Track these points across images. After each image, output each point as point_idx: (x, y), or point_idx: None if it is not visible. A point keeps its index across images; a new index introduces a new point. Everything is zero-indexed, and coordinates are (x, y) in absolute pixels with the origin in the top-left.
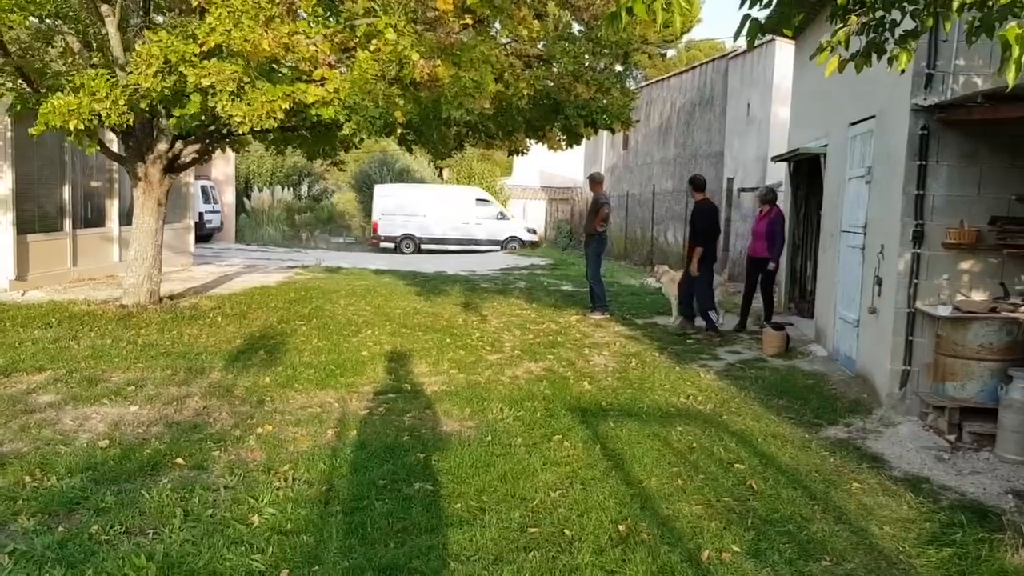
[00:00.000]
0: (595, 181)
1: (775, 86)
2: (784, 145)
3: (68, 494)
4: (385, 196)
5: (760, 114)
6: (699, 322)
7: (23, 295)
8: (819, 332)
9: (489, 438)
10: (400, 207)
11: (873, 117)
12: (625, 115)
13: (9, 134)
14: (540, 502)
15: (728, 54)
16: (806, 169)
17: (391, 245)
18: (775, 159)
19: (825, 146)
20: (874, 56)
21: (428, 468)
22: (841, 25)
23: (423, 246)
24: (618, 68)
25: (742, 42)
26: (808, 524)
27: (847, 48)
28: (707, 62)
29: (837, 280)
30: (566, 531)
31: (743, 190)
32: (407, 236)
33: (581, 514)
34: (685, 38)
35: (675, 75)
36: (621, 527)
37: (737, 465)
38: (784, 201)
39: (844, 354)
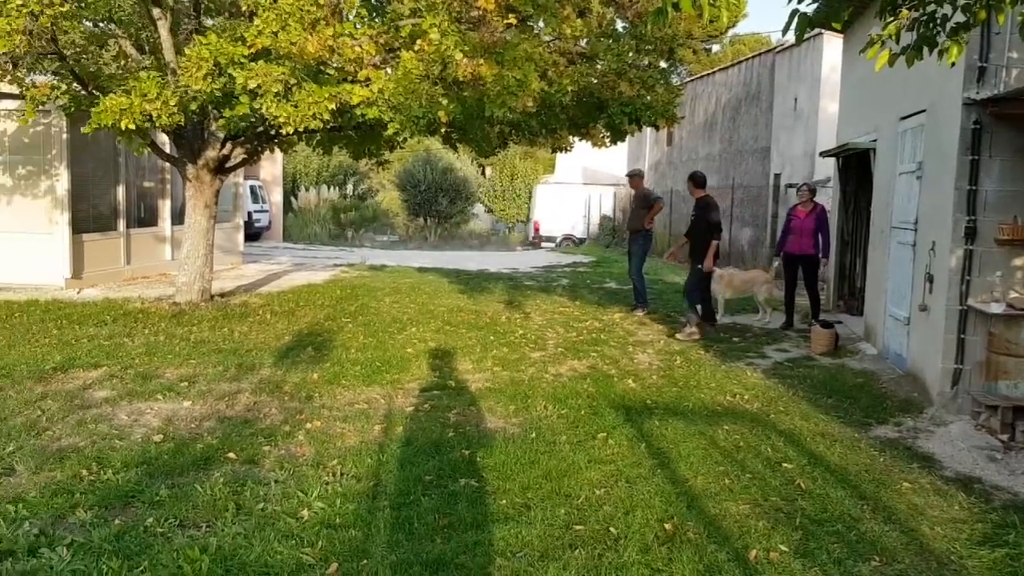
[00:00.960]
0: (637, 177)
1: (823, 80)
2: (832, 140)
3: (124, 488)
4: (547, 195)
5: (808, 109)
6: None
7: (79, 293)
8: (868, 330)
9: (533, 435)
10: (561, 206)
11: (924, 111)
12: (670, 112)
13: (65, 136)
14: (585, 499)
15: (774, 48)
16: (855, 164)
17: (552, 245)
18: (823, 154)
19: (875, 141)
20: (925, 49)
21: (473, 464)
22: (892, 19)
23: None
24: (662, 65)
25: (790, 36)
26: (857, 524)
27: (898, 42)
28: (753, 57)
29: (887, 277)
30: (612, 529)
31: (790, 186)
32: (567, 237)
33: (627, 512)
34: (730, 33)
35: (720, 70)
36: (667, 525)
37: (785, 464)
38: (833, 197)
39: (894, 352)
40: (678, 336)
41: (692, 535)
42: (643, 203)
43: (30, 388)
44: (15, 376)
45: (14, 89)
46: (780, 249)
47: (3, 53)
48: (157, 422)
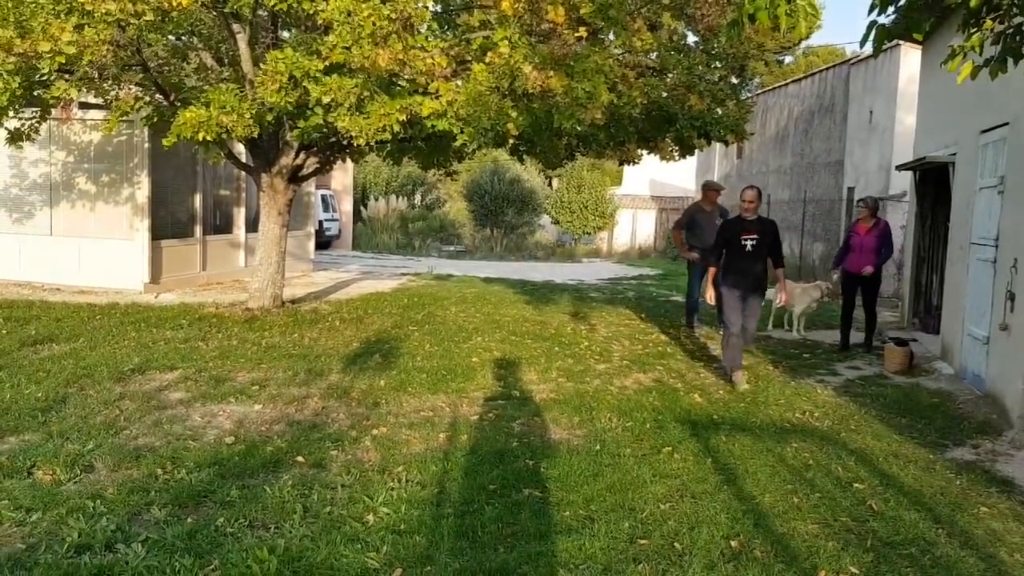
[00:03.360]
0: (715, 190)
1: (900, 92)
2: (909, 153)
3: (196, 487)
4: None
5: (883, 121)
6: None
7: (156, 297)
8: (945, 349)
9: (598, 447)
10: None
11: (1007, 124)
12: (740, 127)
13: (146, 145)
14: (649, 514)
15: (849, 60)
16: (933, 179)
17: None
18: (900, 168)
19: (954, 154)
20: (1010, 61)
21: (537, 475)
22: (975, 30)
23: None
24: (733, 80)
25: (867, 48)
26: (932, 548)
27: (980, 53)
28: (827, 68)
29: (966, 295)
30: (676, 544)
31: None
32: None
33: (692, 528)
34: (803, 44)
35: (793, 82)
36: (733, 543)
37: (856, 484)
38: (910, 212)
39: (972, 372)
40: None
41: (759, 553)
42: (721, 218)
43: (109, 388)
44: (96, 376)
45: (99, 100)
46: (837, 264)
47: (89, 62)
48: (229, 424)
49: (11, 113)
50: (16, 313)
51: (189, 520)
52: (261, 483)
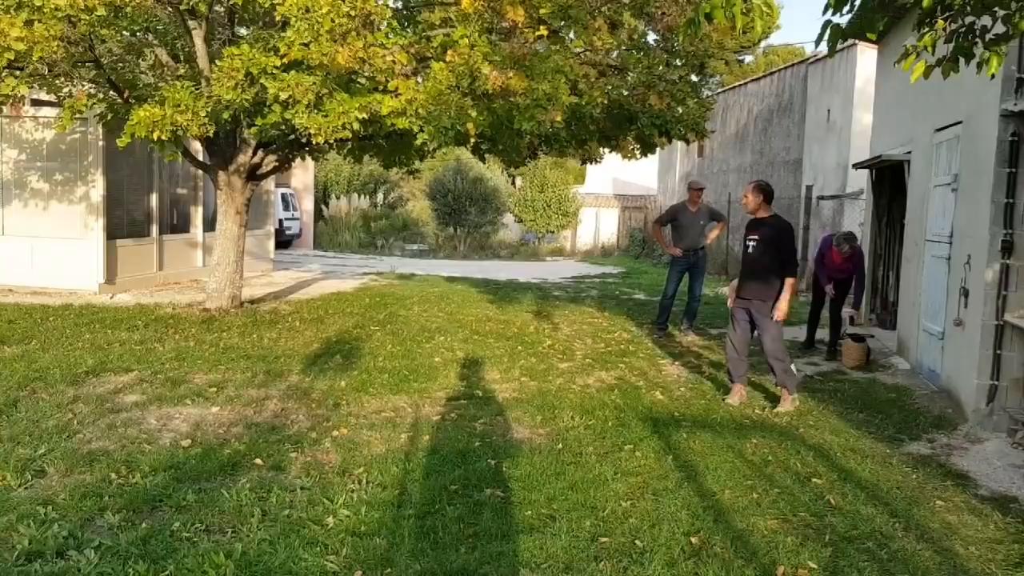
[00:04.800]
0: (699, 189)
1: (857, 91)
2: (866, 152)
3: (151, 492)
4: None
5: (841, 120)
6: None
7: (112, 298)
8: (901, 344)
9: (560, 446)
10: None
11: (960, 123)
12: (700, 126)
13: (101, 143)
14: (611, 512)
15: (807, 59)
16: (889, 177)
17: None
18: (856, 166)
19: (909, 153)
20: (961, 61)
21: (499, 474)
22: (927, 30)
23: None
24: (693, 78)
25: (823, 47)
26: (889, 542)
27: (933, 53)
28: (786, 67)
29: (921, 291)
30: (637, 542)
31: (822, 198)
32: None
33: (653, 525)
34: (763, 44)
35: (752, 81)
36: (694, 539)
37: (814, 480)
38: (866, 210)
39: (928, 367)
40: (779, 409)
41: (719, 550)
42: (707, 218)
43: (63, 391)
44: (48, 379)
45: (51, 97)
46: (814, 279)
47: (40, 59)
48: (185, 427)
49: None
50: None
51: (144, 525)
52: (218, 487)
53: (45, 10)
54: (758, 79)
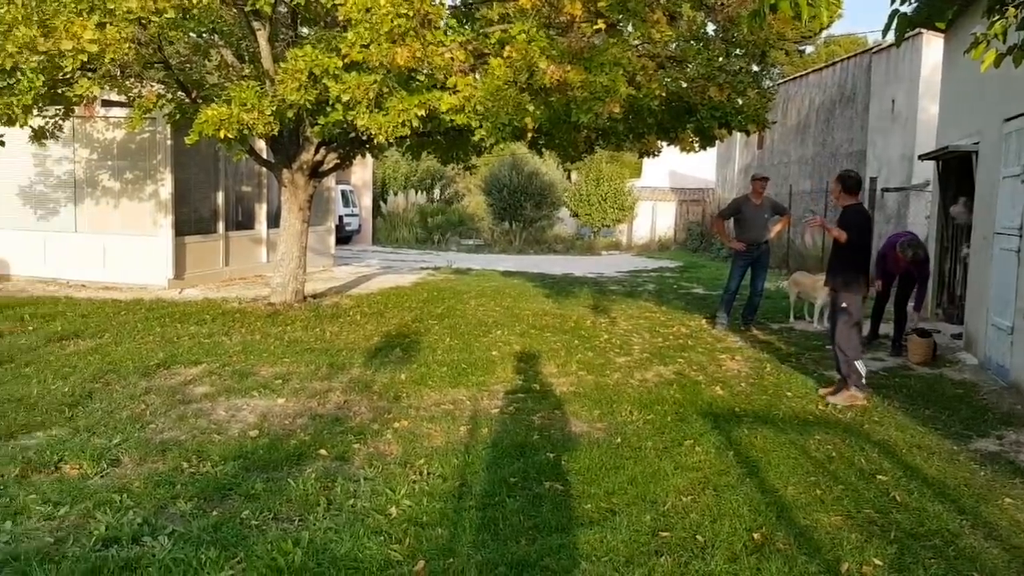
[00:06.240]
0: (763, 180)
1: (923, 81)
2: (932, 143)
3: (222, 480)
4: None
5: (906, 111)
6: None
7: (180, 293)
8: (969, 339)
9: (619, 440)
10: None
11: None
12: (761, 117)
13: (169, 142)
14: (671, 506)
15: (871, 49)
16: (956, 168)
17: None
18: (923, 157)
19: (977, 143)
20: None
21: (558, 468)
22: (998, 17)
23: None
24: (754, 68)
25: (889, 37)
26: (956, 539)
27: (1004, 41)
28: (849, 57)
29: (989, 285)
30: (698, 537)
31: (886, 190)
32: None
33: (714, 520)
34: (825, 33)
35: (814, 71)
36: (756, 535)
37: (879, 476)
38: (932, 202)
39: (996, 363)
40: (831, 399)
41: (782, 546)
42: (770, 211)
43: (135, 383)
44: (121, 371)
45: (121, 97)
46: (878, 275)
47: (111, 60)
48: (253, 418)
49: (35, 111)
50: (42, 310)
51: (214, 513)
52: (285, 476)
53: (117, 13)
54: (820, 69)
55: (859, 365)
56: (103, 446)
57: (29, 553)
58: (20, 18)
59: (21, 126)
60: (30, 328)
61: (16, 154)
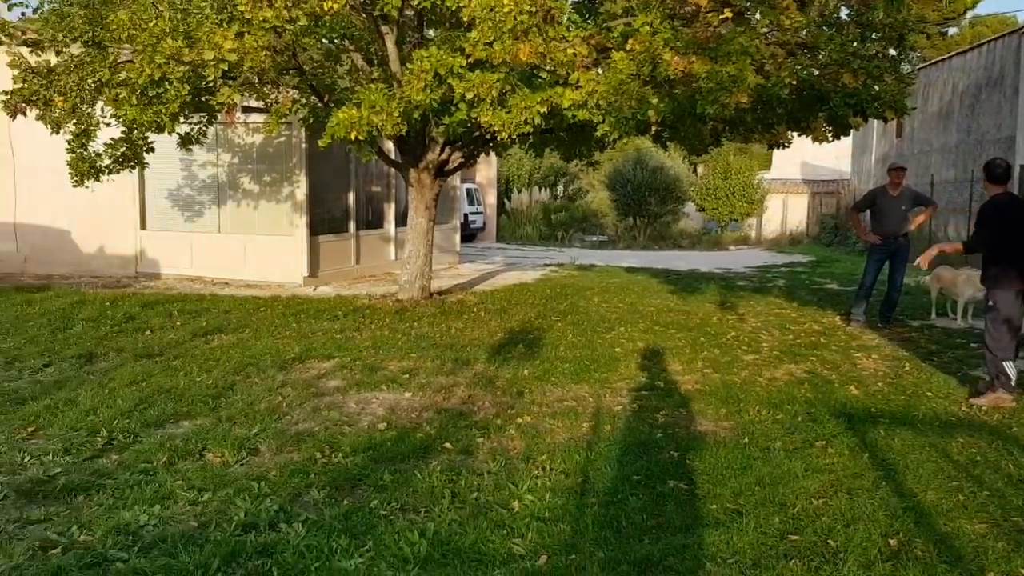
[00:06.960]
0: (902, 170)
1: None
2: None
3: (352, 471)
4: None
5: None
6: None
7: (315, 290)
8: None
9: (746, 440)
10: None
11: None
12: (899, 103)
13: (303, 146)
14: (801, 509)
15: (1021, 28)
16: None
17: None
18: None
19: None
20: None
21: (682, 467)
22: None
23: None
24: (892, 53)
25: None
26: None
27: None
28: (996, 38)
29: None
30: (830, 541)
31: None
32: None
33: (847, 525)
34: (970, 14)
35: (957, 54)
36: (892, 541)
37: None
38: None
39: None
40: (975, 400)
41: (920, 553)
42: (910, 203)
43: (273, 376)
44: (260, 365)
45: (259, 103)
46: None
47: (250, 68)
48: (381, 411)
49: (181, 119)
50: (188, 306)
51: (345, 502)
52: (412, 468)
53: (254, 22)
54: (964, 52)
55: (1008, 366)
56: (243, 436)
57: (175, 536)
58: (167, 31)
59: (169, 133)
60: (178, 323)
61: (165, 160)
